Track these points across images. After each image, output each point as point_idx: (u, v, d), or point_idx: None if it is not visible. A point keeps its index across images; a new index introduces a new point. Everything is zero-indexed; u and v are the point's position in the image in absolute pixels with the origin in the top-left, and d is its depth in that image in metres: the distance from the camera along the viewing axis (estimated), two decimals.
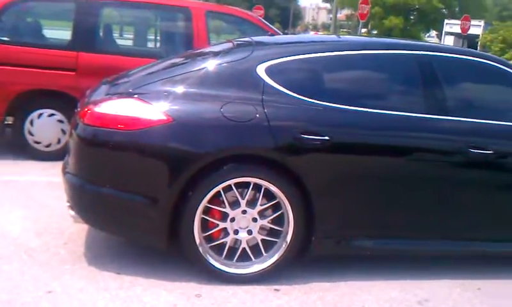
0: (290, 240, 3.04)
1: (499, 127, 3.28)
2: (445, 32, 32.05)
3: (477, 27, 28.22)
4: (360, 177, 3.08)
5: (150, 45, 6.36)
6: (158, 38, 6.23)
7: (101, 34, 5.59)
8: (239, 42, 3.48)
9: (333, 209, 3.07)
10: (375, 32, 33.86)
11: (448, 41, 29.24)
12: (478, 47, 27.44)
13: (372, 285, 3.16)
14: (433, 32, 38.17)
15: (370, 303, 2.96)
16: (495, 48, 24.80)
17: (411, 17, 35.20)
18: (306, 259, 3.19)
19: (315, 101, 3.06)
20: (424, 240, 3.29)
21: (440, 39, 32.29)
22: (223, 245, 3.04)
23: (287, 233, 3.04)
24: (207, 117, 2.93)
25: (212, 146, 2.90)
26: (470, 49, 3.50)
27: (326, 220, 3.07)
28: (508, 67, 3.43)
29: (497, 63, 3.42)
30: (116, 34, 6.55)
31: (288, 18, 54.51)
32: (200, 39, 5.34)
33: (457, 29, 27.40)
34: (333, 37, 3.53)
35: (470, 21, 22.40)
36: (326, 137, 2.97)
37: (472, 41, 28.32)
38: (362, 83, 3.29)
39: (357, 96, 3.18)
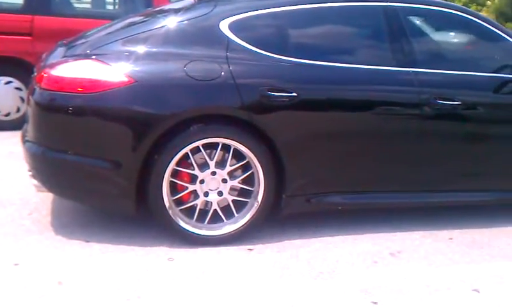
0: (261, 200, 3.00)
1: (466, 77, 3.27)
2: None
3: None
4: (329, 133, 3.04)
5: (109, 6, 6.12)
6: None
7: None
8: None
9: (302, 166, 3.03)
10: None
11: None
12: None
13: (345, 240, 3.16)
14: None
15: (343, 257, 2.96)
16: (458, 3, 24.94)
17: None
18: (278, 218, 3.16)
19: (282, 57, 2.98)
20: (394, 193, 3.29)
21: None
22: (194, 207, 2.98)
23: (257, 193, 3.00)
24: (170, 77, 2.83)
25: (177, 106, 2.81)
26: (438, 0, 3.43)
27: (296, 177, 3.04)
28: (474, 17, 3.40)
29: (464, 13, 3.37)
30: None
31: None
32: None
33: None
34: None
35: None
36: (294, 94, 2.91)
37: None
38: (329, 37, 3.21)
39: (324, 51, 3.11)
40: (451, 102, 3.13)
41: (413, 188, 3.31)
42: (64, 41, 3.34)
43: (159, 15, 3.30)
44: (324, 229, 3.26)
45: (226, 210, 3.03)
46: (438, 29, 3.47)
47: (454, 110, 3.15)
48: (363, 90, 3.09)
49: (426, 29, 3.40)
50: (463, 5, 24.22)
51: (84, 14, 5.48)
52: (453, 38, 3.54)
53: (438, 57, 3.39)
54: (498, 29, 3.39)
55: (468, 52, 3.52)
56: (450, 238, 3.26)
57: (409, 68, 3.14)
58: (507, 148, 3.38)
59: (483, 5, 23.29)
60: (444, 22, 3.42)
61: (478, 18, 3.39)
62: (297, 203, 3.10)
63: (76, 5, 6.15)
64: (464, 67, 3.30)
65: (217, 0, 3.18)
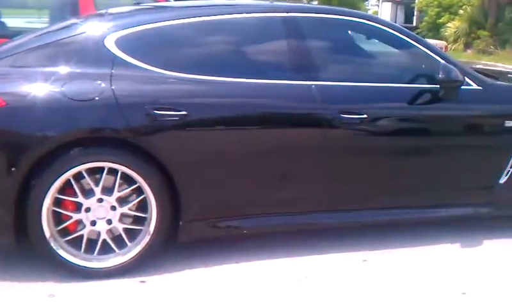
0: (155, 227, 2.78)
1: (373, 89, 3.08)
2: None
3: None
4: (227, 153, 2.85)
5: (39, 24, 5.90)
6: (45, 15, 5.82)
7: None
8: (92, 14, 3.16)
9: (199, 190, 2.83)
10: (315, 2, 33.67)
11: (386, 8, 29.41)
12: (415, 12, 27.72)
13: (250, 266, 2.95)
14: (373, 0, 38.37)
15: (244, 286, 2.76)
16: (432, 13, 24.95)
17: None
18: (178, 245, 2.95)
19: (170, 72, 2.79)
20: (305, 214, 3.09)
21: (378, 7, 32.38)
22: (82, 238, 2.76)
23: (151, 220, 2.79)
24: (45, 98, 2.62)
25: (53, 129, 2.60)
26: (342, 8, 3.26)
27: (193, 202, 2.83)
28: (383, 25, 3.21)
29: (371, 21, 3.20)
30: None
31: None
32: None
33: None
34: (194, 2, 3.22)
35: None
36: (184, 112, 2.72)
37: (408, 7, 28.62)
38: (222, 51, 3.01)
39: (217, 65, 2.91)
40: (357, 116, 2.95)
41: (324, 208, 3.11)
42: None
43: (46, 33, 3.09)
44: (229, 255, 3.05)
45: (119, 239, 2.81)
46: (343, 39, 3.26)
47: (360, 125, 2.97)
48: (261, 106, 2.90)
49: (330, 39, 3.20)
50: (436, 14, 24.17)
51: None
52: (360, 48, 3.35)
53: (343, 68, 3.18)
54: (409, 37, 3.21)
55: (376, 62, 3.34)
56: (365, 260, 3.07)
57: (310, 81, 2.96)
58: (427, 162, 3.20)
59: (456, 14, 23.47)
60: (350, 32, 3.24)
61: (386, 26, 3.21)
62: (197, 228, 2.90)
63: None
64: (372, 78, 3.13)
65: (105, 16, 2.99)
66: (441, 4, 25.62)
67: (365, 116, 2.96)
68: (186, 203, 2.81)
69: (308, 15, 3.14)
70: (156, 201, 2.75)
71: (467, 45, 21.56)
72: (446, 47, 9.75)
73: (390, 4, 29.15)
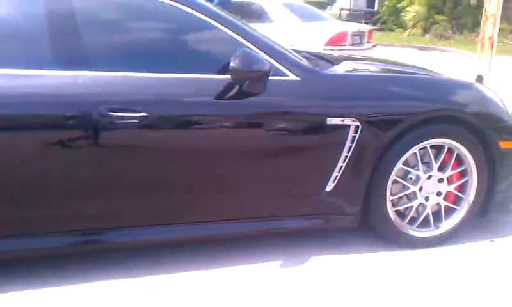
0: None
1: (155, 81, 2.49)
2: None
3: None
4: None
5: None
6: None
7: None
8: None
9: None
10: None
11: None
12: None
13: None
14: None
15: None
16: None
17: None
18: None
19: None
20: (77, 234, 2.54)
21: None
22: None
23: None
24: None
25: None
26: None
27: None
28: (179, 3, 2.59)
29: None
30: None
31: None
32: None
33: None
34: None
35: None
36: None
37: None
38: None
39: None
40: (133, 114, 2.39)
41: (105, 225, 2.57)
42: None
43: None
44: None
45: None
46: (124, 19, 2.62)
47: (140, 125, 2.40)
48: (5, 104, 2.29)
49: (106, 18, 2.56)
50: None
51: None
52: (146, 29, 2.72)
53: (120, 55, 2.54)
54: (212, 18, 2.61)
55: (169, 47, 2.70)
56: (150, 289, 2.56)
57: (77, 71, 2.39)
58: (236, 169, 2.67)
59: None
60: (135, 11, 2.63)
61: (182, 4, 2.59)
62: None
63: None
64: (159, 67, 2.53)
65: None
66: None
67: (144, 114, 2.40)
68: None
69: None
70: None
71: (426, 30, 21.24)
72: (370, 32, 9.06)
73: None
